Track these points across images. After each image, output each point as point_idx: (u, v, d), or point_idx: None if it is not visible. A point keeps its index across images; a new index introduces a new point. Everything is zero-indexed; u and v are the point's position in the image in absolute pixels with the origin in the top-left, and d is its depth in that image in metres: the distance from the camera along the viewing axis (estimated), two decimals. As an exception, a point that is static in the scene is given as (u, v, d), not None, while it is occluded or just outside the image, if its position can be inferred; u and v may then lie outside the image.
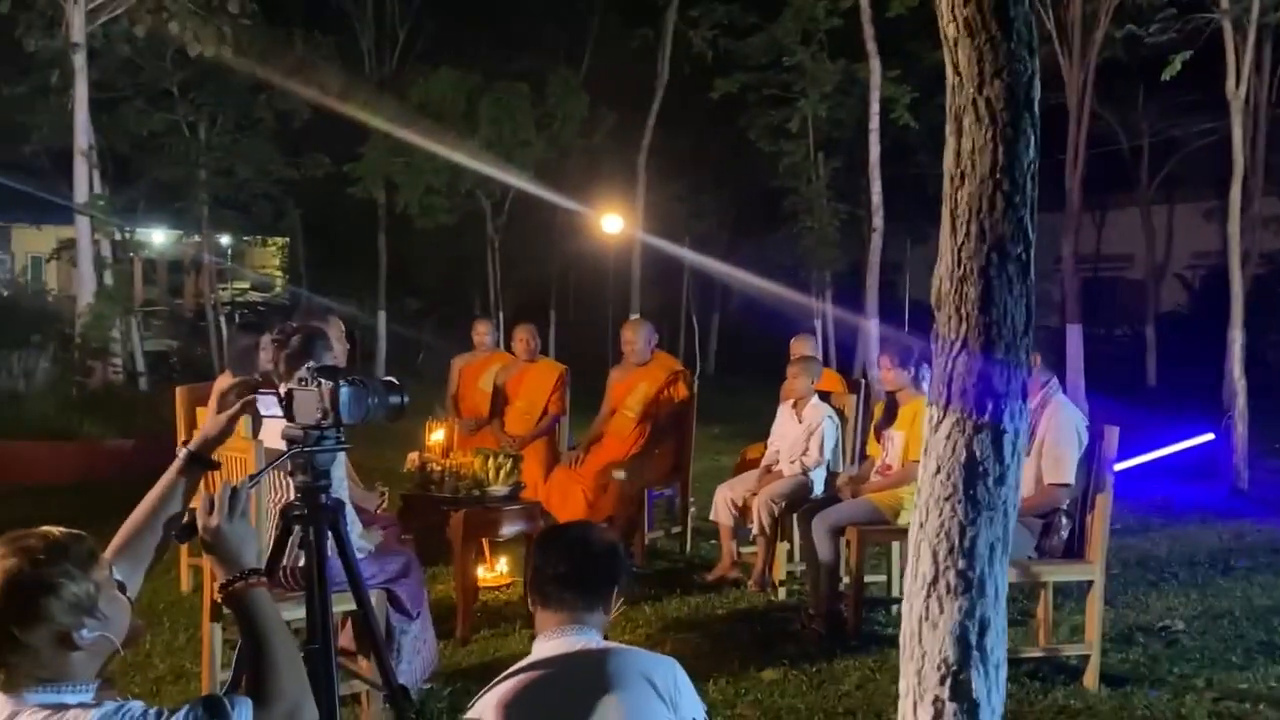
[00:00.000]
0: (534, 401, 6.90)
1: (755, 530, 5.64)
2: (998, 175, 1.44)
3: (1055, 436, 4.36)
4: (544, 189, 14.65)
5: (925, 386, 5.44)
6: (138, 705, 1.68)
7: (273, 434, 3.75)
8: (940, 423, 1.48)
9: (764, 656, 4.69)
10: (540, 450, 6.67)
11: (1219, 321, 9.40)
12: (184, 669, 4.44)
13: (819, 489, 5.68)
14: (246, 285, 26.37)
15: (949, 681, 1.43)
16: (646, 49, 16.30)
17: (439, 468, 5.06)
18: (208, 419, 2.10)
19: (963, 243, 1.47)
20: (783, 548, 5.68)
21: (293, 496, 2.19)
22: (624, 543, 6.12)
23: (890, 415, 5.34)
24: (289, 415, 2.10)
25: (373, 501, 4.51)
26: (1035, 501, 4.37)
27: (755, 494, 5.69)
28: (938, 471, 1.46)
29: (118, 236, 13.48)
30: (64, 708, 1.65)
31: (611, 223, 13.87)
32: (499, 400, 7.05)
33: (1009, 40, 1.41)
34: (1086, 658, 4.41)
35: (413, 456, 5.21)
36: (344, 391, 2.07)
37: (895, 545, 5.31)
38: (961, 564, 1.43)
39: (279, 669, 1.75)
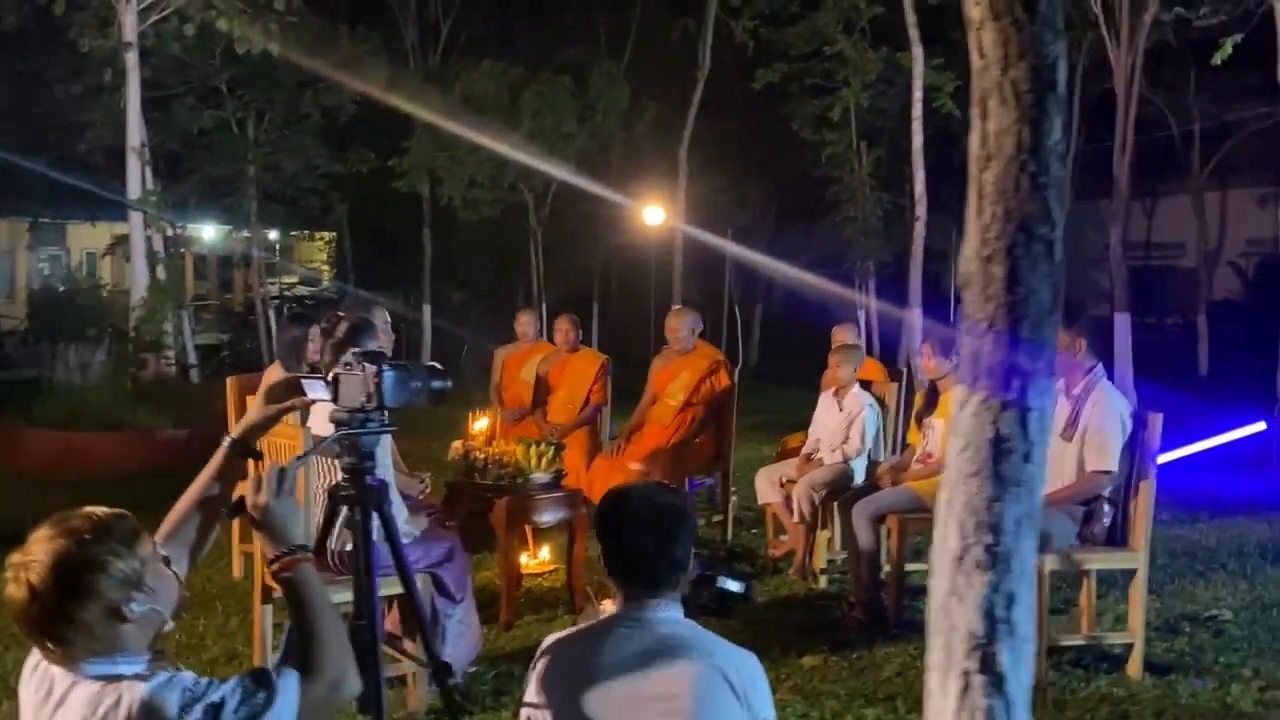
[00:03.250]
0: (576, 391, 6.96)
1: (795, 518, 5.66)
2: (1023, 157, 1.45)
3: (1099, 423, 4.33)
4: (586, 181, 14.71)
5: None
6: (189, 675, 1.75)
7: (320, 420, 3.86)
8: (967, 401, 1.50)
9: (805, 643, 4.72)
10: (582, 439, 6.74)
11: (1273, 309, 9.23)
12: (237, 651, 4.56)
13: (860, 478, 5.69)
14: (295, 279, 26.70)
15: (977, 654, 1.45)
16: (688, 40, 16.30)
17: (482, 456, 5.14)
18: (252, 408, 2.17)
19: (989, 224, 1.49)
20: (824, 536, 5.70)
21: (339, 478, 2.25)
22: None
23: (931, 403, 5.34)
24: (335, 398, 2.16)
25: (415, 488, 4.60)
26: (1078, 488, 4.35)
27: (795, 482, 5.72)
28: (964, 449, 1.48)
29: (169, 232, 13.78)
30: (119, 678, 1.72)
31: (653, 214, 13.89)
32: (541, 390, 7.13)
33: (1034, 22, 1.42)
34: (1130, 646, 4.39)
35: (457, 445, 5.29)
36: (388, 375, 2.13)
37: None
38: (988, 539, 1.45)
39: (324, 641, 1.81)
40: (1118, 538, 4.40)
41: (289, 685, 1.75)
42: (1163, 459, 9.13)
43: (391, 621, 4.06)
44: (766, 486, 5.96)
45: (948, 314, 25.99)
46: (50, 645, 1.75)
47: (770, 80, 15.09)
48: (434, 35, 18.40)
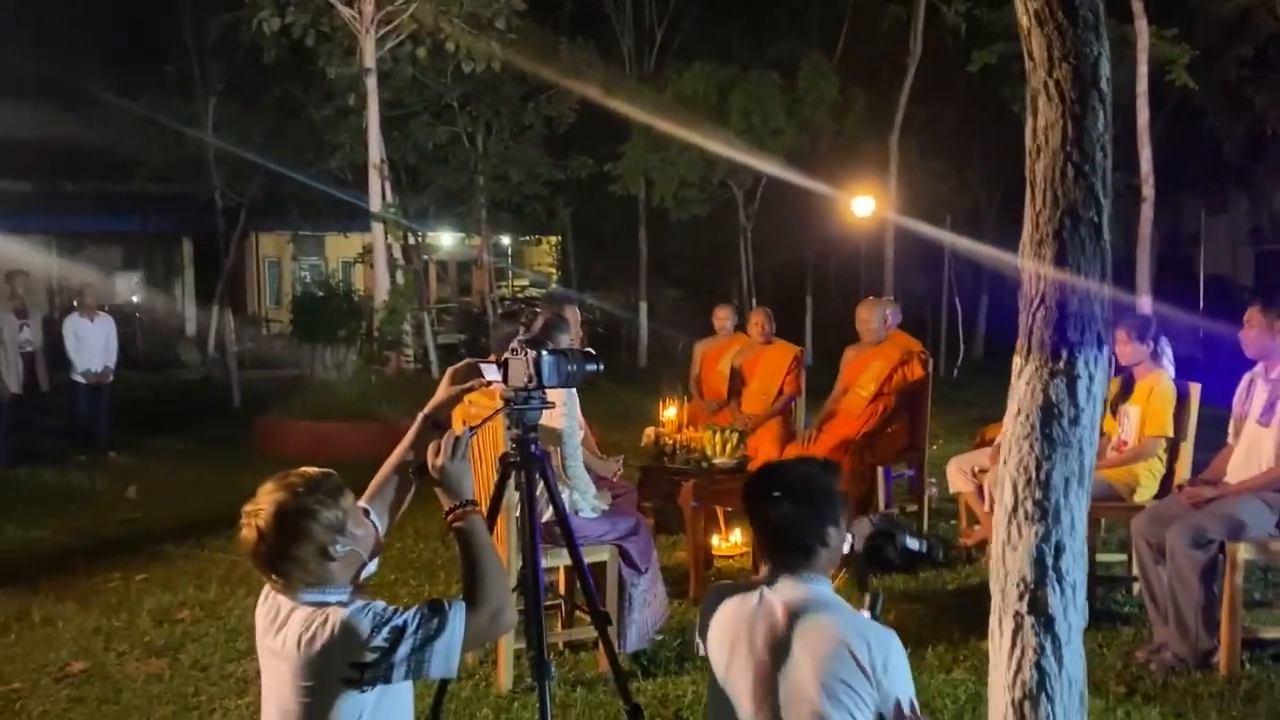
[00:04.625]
0: (769, 382, 7.17)
1: (987, 507, 5.65)
2: (1068, 149, 1.59)
3: (1305, 408, 4.14)
4: (795, 175, 14.82)
5: (1165, 362, 5.28)
6: (381, 604, 2.14)
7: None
8: (1022, 371, 1.65)
9: (985, 627, 4.73)
10: (775, 429, 6.94)
11: None
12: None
13: (1054, 466, 5.61)
14: (525, 282, 28.12)
15: (1026, 598, 1.61)
16: (898, 27, 16.07)
17: (671, 442, 5.46)
18: (440, 389, 2.56)
19: (1040, 210, 1.63)
20: (1016, 524, 5.65)
21: (509, 447, 2.61)
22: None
23: (1126, 391, 5.20)
24: (505, 379, 2.52)
25: (610, 469, 4.96)
26: (1273, 475, 4.18)
27: (988, 471, 5.70)
28: (1019, 414, 1.63)
29: (411, 241, 14.99)
30: (326, 604, 2.13)
31: (862, 205, 13.82)
32: (736, 381, 7.38)
33: (1075, 27, 1.56)
34: (1342, 644, 4.18)
35: (649, 432, 5.64)
36: (545, 359, 2.47)
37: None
38: (1038, 494, 1.60)
39: (488, 579, 2.17)
40: (1323, 528, 4.19)
41: (458, 614, 2.11)
42: None
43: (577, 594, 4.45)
44: (959, 476, 5.96)
45: (1197, 301, 24.24)
46: (274, 577, 2.18)
47: (986, 61, 14.65)
48: (649, 41, 19.01)
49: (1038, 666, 1.60)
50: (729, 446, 5.41)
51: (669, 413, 5.73)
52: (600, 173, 16.57)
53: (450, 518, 2.26)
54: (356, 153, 13.01)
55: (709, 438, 5.44)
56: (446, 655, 2.08)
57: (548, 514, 4.30)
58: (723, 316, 8.05)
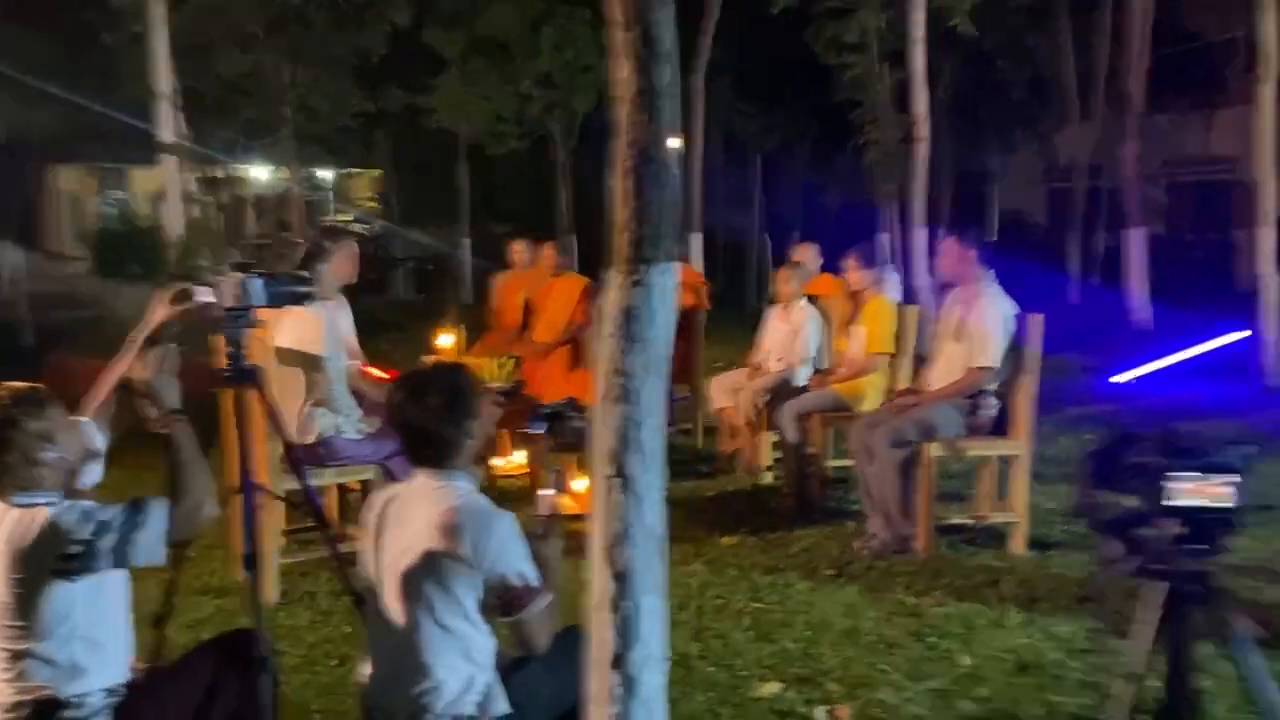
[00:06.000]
0: (559, 313, 7.50)
1: (742, 421, 6.18)
2: (640, 99, 1.94)
3: (982, 325, 4.74)
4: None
5: (889, 286, 5.88)
6: (89, 503, 2.37)
7: (283, 333, 4.48)
8: (610, 282, 2.02)
9: (730, 527, 5.28)
10: (565, 356, 7.28)
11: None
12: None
13: (803, 384, 6.17)
14: (350, 217, 27.49)
15: (614, 464, 1.99)
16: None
17: (449, 368, 5.73)
18: (156, 310, 2.77)
19: (622, 149, 1.98)
20: (769, 437, 6.20)
21: (224, 364, 2.84)
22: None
23: (856, 313, 5.78)
24: (218, 300, 2.75)
25: (380, 394, 5.19)
26: (962, 384, 4.79)
27: (742, 389, 6.22)
28: (608, 316, 2.00)
29: (207, 174, 14.49)
30: (35, 506, 2.35)
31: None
32: (528, 313, 7.70)
33: (640, -5, 1.90)
34: (1015, 525, 4.85)
35: (425, 360, 5.89)
36: (253, 282, 2.71)
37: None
38: (621, 380, 1.97)
39: (189, 478, 2.42)
40: (1004, 429, 4.84)
41: (160, 508, 2.36)
42: (1130, 374, 9.46)
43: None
44: (720, 393, 6.48)
45: (993, 233, 25.72)
46: None
47: (788, 4, 15.18)
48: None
49: (621, 519, 1.98)
50: (504, 371, 5.72)
51: (443, 340, 5.99)
52: (421, 106, 16.40)
53: (156, 425, 2.49)
54: (147, 82, 12.50)
55: (484, 364, 5.74)
56: (150, 545, 2.34)
57: (311, 436, 4.54)
58: (518, 251, 8.34)
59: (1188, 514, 1.64)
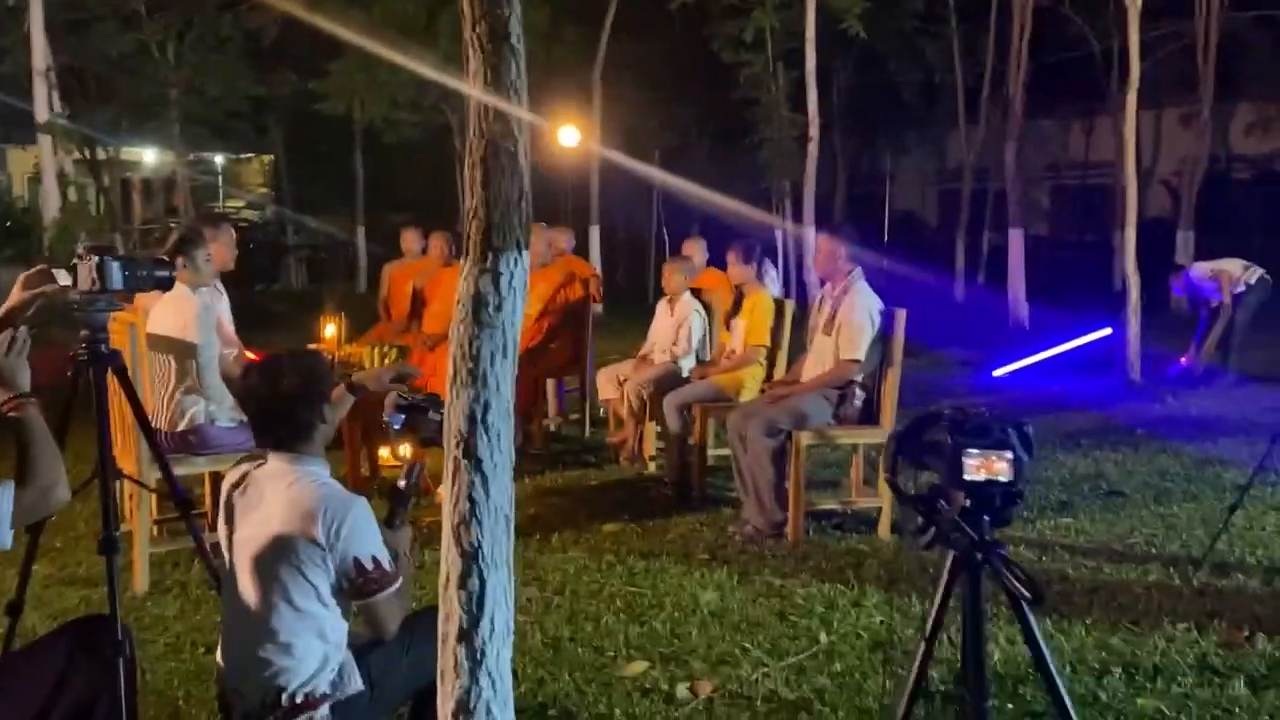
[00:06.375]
0: (448, 303, 7.46)
1: (626, 411, 6.29)
2: (488, 90, 2.01)
3: (850, 318, 4.93)
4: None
5: (767, 280, 6.05)
6: None
7: (156, 320, 4.41)
8: (463, 269, 2.08)
9: (612, 514, 5.38)
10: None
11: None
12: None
13: (686, 376, 6.30)
14: (241, 203, 26.80)
15: (462, 445, 2.05)
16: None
17: (331, 357, 5.69)
18: (13, 293, 2.72)
19: (472, 140, 2.05)
20: (652, 427, 6.32)
21: (79, 348, 2.81)
22: (524, 427, 6.83)
23: (736, 306, 5.94)
24: (75, 283, 2.72)
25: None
26: (831, 375, 4.97)
27: (628, 379, 6.33)
28: (459, 303, 2.06)
29: (99, 156, 14.00)
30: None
31: (568, 135, 14.28)
32: (418, 303, 7.67)
33: (487, -7, 1.96)
34: (882, 510, 5.06)
35: (309, 349, 5.83)
36: (111, 264, 2.69)
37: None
38: (471, 365, 2.03)
39: (38, 462, 2.39)
40: (871, 418, 5.04)
41: (6, 491, 2.33)
42: (1007, 369, 9.84)
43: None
44: (607, 384, 6.58)
45: (882, 233, 26.34)
46: None
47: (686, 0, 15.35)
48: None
49: (470, 498, 2.04)
50: (387, 361, 5.71)
51: (328, 330, 5.95)
52: (313, 91, 16.09)
53: (6, 408, 2.46)
54: (23, 58, 12.02)
55: (367, 353, 5.72)
56: (-4, 528, 2.31)
57: (183, 423, 4.48)
58: (409, 239, 8.30)
59: (973, 488, 1.79)
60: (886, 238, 25.77)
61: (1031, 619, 1.84)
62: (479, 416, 2.05)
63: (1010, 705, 3.21)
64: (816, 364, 5.07)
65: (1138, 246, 9.65)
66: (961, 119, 18.29)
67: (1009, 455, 1.79)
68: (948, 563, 1.87)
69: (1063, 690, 1.88)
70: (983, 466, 1.79)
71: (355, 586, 2.44)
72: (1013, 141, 13.93)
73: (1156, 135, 24.54)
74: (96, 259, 2.66)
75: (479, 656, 2.07)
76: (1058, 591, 4.24)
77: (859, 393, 4.99)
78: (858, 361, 4.90)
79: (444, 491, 2.08)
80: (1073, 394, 8.83)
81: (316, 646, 2.44)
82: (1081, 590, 4.26)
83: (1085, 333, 10.30)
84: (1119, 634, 3.79)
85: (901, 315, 4.93)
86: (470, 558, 2.06)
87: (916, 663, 1.91)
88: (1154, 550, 4.79)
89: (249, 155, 25.43)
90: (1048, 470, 6.23)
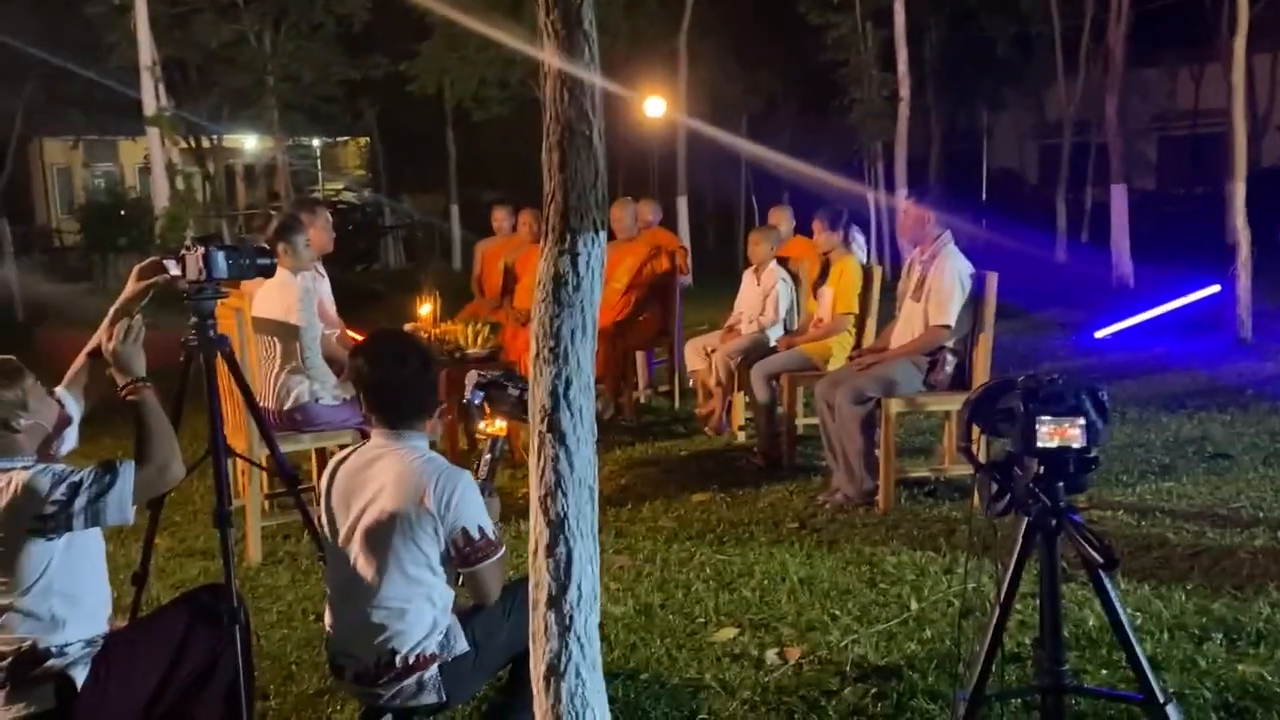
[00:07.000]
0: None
1: (714, 381, 6.33)
2: (563, 77, 2.07)
3: (940, 284, 4.86)
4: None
5: (855, 247, 6.00)
6: (60, 465, 2.51)
7: (260, 303, 4.61)
8: (544, 254, 2.15)
9: (702, 485, 5.44)
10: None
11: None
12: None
13: (773, 345, 6.31)
14: (340, 186, 27.44)
15: (546, 420, 2.13)
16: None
17: (426, 335, 5.86)
18: (128, 284, 2.90)
19: (548, 125, 2.10)
20: (741, 397, 6.35)
21: (189, 335, 2.97)
22: (614, 400, 6.93)
23: (824, 274, 5.91)
24: (183, 274, 2.87)
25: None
26: (921, 341, 4.92)
27: (716, 350, 6.36)
28: (540, 283, 2.13)
29: (204, 145, 14.51)
30: (12, 470, 2.49)
31: (654, 105, 14.25)
32: (510, 279, 7.81)
33: (560, -21, 2.02)
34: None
35: (406, 328, 6.01)
36: (216, 254, 2.83)
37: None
38: (552, 343, 2.11)
39: (155, 441, 2.56)
40: (963, 383, 4.98)
41: (128, 470, 2.50)
42: (1110, 329, 9.58)
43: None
44: (694, 356, 6.62)
45: (981, 192, 25.65)
46: None
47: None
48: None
49: (555, 470, 2.12)
50: (480, 338, 5.85)
51: (424, 309, 6.11)
52: (399, 73, 16.38)
53: (124, 392, 2.63)
54: (129, 53, 12.53)
55: (461, 330, 5.86)
56: (120, 505, 2.48)
57: (289, 402, 4.69)
58: (500, 217, 8.44)
59: (1046, 454, 1.79)
60: (985, 196, 25.14)
61: (1107, 583, 1.84)
62: (561, 392, 2.12)
63: (1104, 671, 3.18)
64: (906, 330, 5.03)
65: (1249, 198, 9.25)
66: (1060, 71, 17.65)
67: (1082, 422, 1.79)
68: (1021, 528, 1.88)
69: (1140, 653, 1.87)
70: (1056, 433, 1.79)
71: (462, 555, 2.57)
72: (1114, 93, 13.42)
73: (1272, 79, 23.37)
74: (203, 249, 2.81)
75: (567, 621, 2.15)
76: (1157, 557, 4.16)
77: (950, 358, 4.93)
78: (948, 327, 4.84)
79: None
80: (1178, 354, 8.55)
81: (426, 611, 2.58)
82: (1182, 555, 4.18)
83: (1192, 290, 9.95)
84: (1220, 599, 3.71)
85: (993, 279, 4.85)
86: (556, 527, 2.14)
87: (992, 625, 1.93)
88: (1260, 514, 4.64)
89: (345, 138, 26.06)
90: (1149, 433, 6.08)
